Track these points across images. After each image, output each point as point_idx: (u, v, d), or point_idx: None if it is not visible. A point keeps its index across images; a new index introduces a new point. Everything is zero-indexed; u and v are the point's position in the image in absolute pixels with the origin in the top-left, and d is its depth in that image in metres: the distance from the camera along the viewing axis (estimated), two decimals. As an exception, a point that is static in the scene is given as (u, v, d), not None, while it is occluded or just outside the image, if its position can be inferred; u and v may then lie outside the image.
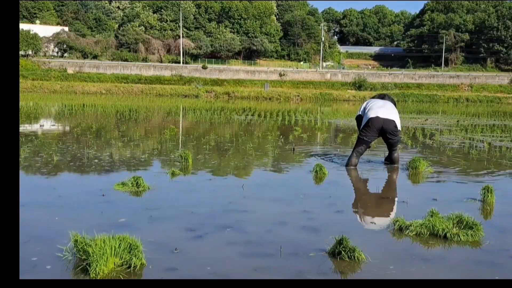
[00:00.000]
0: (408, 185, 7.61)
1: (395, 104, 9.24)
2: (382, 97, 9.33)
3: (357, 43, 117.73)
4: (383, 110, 8.70)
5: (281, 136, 14.03)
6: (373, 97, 9.50)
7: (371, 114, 8.66)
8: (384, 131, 8.62)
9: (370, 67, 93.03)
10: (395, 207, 6.00)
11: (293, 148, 11.15)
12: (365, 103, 9.23)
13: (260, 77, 68.42)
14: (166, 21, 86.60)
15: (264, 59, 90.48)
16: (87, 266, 3.67)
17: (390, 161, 9.17)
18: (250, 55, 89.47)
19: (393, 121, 8.63)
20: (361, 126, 8.88)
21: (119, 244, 3.83)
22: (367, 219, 5.34)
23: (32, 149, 10.22)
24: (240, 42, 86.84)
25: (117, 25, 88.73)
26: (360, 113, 9.11)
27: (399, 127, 8.76)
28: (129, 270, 3.75)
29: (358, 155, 8.86)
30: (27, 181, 6.91)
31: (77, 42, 74.33)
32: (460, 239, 4.64)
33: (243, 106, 32.21)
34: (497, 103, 50.61)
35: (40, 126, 15.87)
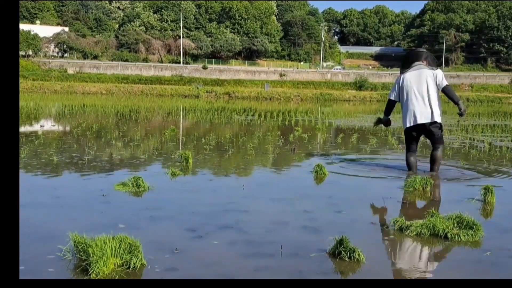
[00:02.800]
0: (408, 185, 7.58)
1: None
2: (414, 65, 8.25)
3: (357, 43, 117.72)
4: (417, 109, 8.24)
5: (281, 136, 14.03)
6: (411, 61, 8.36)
7: (407, 120, 8.27)
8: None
9: (370, 67, 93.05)
10: (395, 207, 5.99)
11: (294, 148, 11.15)
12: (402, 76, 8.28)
13: (260, 77, 68.44)
14: (167, 21, 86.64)
15: (265, 59, 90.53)
16: (87, 267, 3.67)
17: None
18: (250, 55, 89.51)
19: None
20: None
21: (119, 245, 3.83)
22: (367, 219, 5.34)
23: (32, 149, 10.22)
24: (241, 42, 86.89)
25: (117, 25, 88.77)
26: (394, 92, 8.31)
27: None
28: (129, 270, 3.75)
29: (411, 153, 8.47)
30: (27, 181, 6.91)
31: (77, 43, 74.40)
32: (461, 239, 4.63)
33: (243, 106, 32.22)
34: (498, 103, 50.59)
35: (41, 126, 15.88)
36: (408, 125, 8.14)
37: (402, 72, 8.34)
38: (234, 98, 45.76)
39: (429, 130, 8.12)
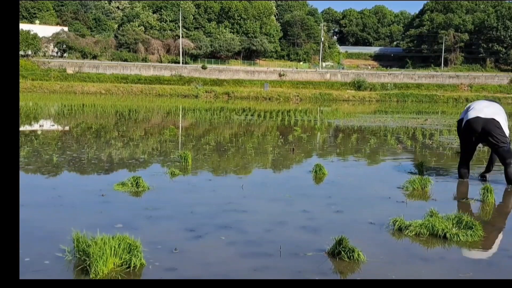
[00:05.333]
0: (407, 185, 7.59)
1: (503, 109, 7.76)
2: (489, 101, 8.02)
3: (356, 43, 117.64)
4: (486, 110, 7.40)
5: (280, 136, 14.03)
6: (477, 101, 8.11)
7: (470, 114, 7.45)
8: (486, 133, 7.27)
9: (369, 67, 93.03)
10: (394, 207, 5.99)
11: (293, 148, 11.15)
12: (468, 106, 7.96)
13: (259, 77, 68.43)
14: (166, 21, 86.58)
15: (264, 59, 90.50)
16: (87, 267, 3.67)
17: (506, 179, 7.39)
18: (249, 55, 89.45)
19: (498, 122, 7.23)
20: (460, 130, 7.74)
21: (119, 244, 3.83)
22: (367, 219, 5.34)
23: (32, 149, 10.21)
24: (240, 42, 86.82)
25: (116, 25, 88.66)
26: (461, 116, 7.85)
27: (506, 132, 7.29)
28: (128, 270, 3.75)
29: (465, 165, 7.71)
30: (27, 181, 6.90)
31: (77, 42, 74.28)
32: (460, 239, 4.64)
33: (242, 106, 32.21)
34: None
35: (40, 126, 15.87)
36: None
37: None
38: (233, 98, 45.76)
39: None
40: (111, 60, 72.18)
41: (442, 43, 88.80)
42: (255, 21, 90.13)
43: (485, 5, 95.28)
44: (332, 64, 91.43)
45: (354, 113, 26.84)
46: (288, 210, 5.72)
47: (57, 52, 74.67)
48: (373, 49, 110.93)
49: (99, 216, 5.26)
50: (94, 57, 73.58)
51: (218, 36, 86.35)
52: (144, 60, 75.22)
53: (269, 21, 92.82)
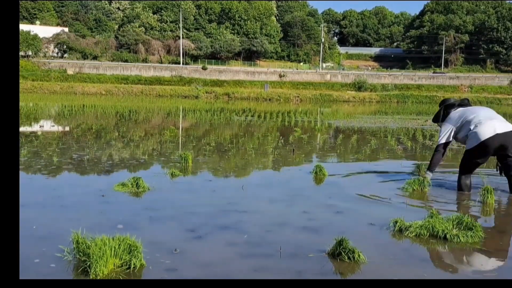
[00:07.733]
0: (407, 186, 7.59)
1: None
2: (464, 103, 7.09)
3: (357, 44, 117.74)
4: (496, 121, 6.48)
5: (281, 137, 14.04)
6: (452, 104, 7.06)
7: (486, 131, 6.35)
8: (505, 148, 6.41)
9: (370, 68, 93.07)
10: (394, 208, 5.99)
11: (293, 149, 11.15)
12: (453, 113, 6.86)
13: (260, 78, 68.46)
14: (166, 22, 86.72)
15: (264, 60, 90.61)
16: (87, 267, 3.67)
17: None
18: (250, 56, 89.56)
19: None
20: (470, 147, 6.56)
21: (119, 245, 3.82)
22: (367, 219, 5.34)
23: (32, 149, 10.22)
24: (240, 43, 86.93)
25: (117, 26, 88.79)
26: (448, 133, 6.81)
27: None
28: (128, 270, 3.75)
29: (467, 180, 6.86)
30: (27, 181, 6.91)
31: (77, 43, 74.40)
32: (460, 240, 4.64)
33: (243, 107, 32.22)
34: (497, 104, 50.70)
35: (40, 127, 15.87)
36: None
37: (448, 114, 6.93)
38: (233, 99, 45.80)
39: None
40: (112, 61, 72.27)
41: (442, 44, 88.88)
42: (256, 22, 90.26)
43: (486, 6, 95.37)
44: (332, 65, 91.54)
45: (354, 114, 26.84)
46: (289, 210, 5.72)
47: (57, 53, 74.81)
48: (374, 50, 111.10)
49: (99, 217, 5.26)
50: (95, 58, 73.65)
51: (218, 37, 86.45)
52: (145, 60, 75.33)
53: (269, 22, 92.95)
